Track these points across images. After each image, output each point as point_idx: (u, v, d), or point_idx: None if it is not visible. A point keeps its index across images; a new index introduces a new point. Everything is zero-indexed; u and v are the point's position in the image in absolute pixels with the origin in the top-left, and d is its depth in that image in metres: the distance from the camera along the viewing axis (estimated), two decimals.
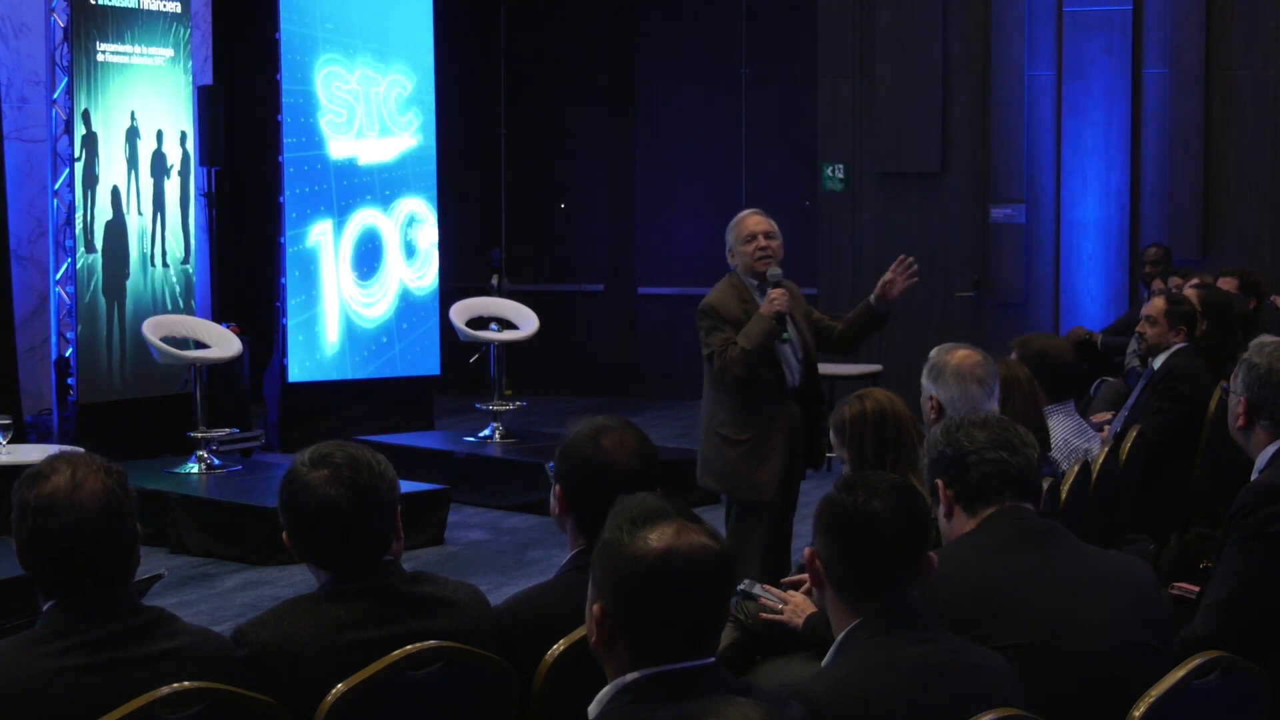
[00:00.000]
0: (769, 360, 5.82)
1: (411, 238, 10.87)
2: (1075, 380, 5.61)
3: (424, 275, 10.91)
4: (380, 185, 10.76)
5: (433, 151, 10.95)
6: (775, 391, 5.86)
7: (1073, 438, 5.18)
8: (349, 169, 10.62)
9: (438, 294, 10.96)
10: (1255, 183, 10.71)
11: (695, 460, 6.10)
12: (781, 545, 6.01)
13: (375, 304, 10.73)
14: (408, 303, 10.89)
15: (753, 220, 5.95)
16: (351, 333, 10.61)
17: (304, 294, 10.41)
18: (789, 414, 5.89)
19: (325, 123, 10.50)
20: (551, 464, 3.29)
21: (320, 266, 10.48)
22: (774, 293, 5.79)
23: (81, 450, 2.89)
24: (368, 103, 10.66)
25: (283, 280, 10.39)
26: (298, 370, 10.45)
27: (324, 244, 10.50)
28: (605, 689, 2.31)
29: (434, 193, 10.97)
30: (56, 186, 9.75)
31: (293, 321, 10.33)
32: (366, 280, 10.68)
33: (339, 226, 10.57)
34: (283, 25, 10.29)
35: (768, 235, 5.90)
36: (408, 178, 10.87)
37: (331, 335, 10.53)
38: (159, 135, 10.20)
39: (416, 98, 10.83)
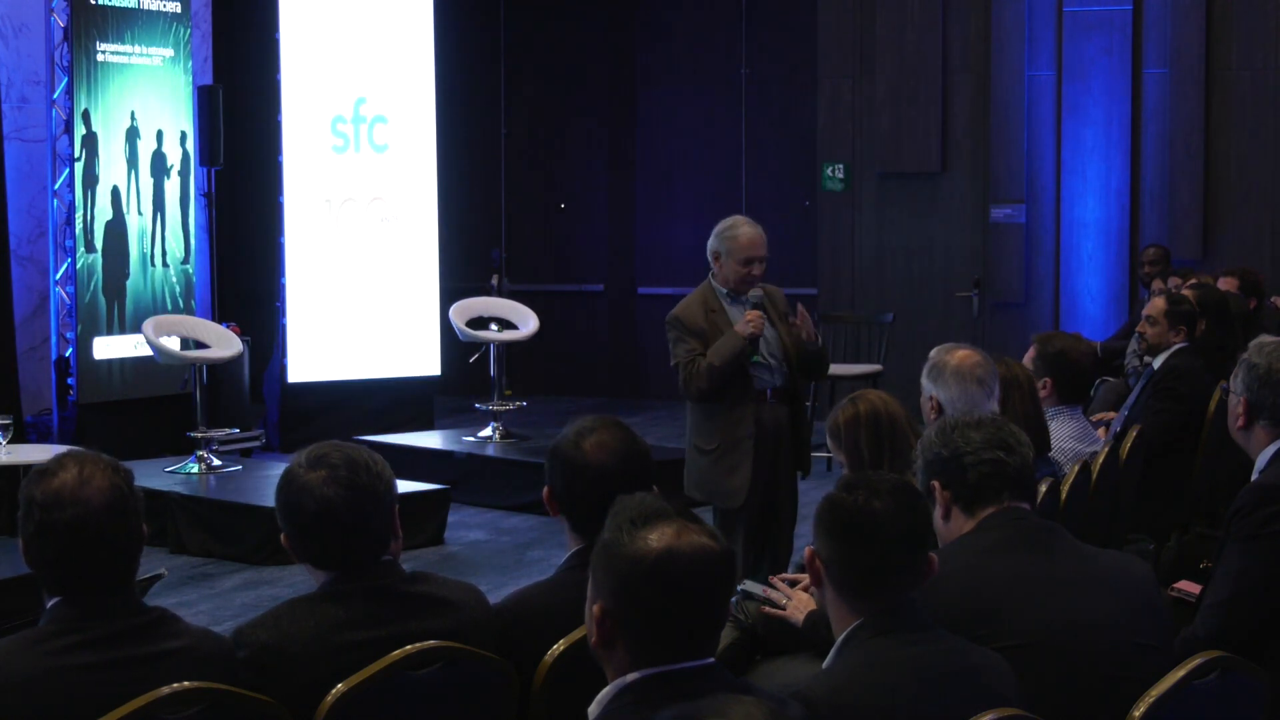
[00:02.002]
0: (737, 372, 5.81)
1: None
2: (1089, 386, 5.61)
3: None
4: (361, 177, 10.76)
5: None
6: (741, 400, 5.83)
7: (1076, 441, 5.17)
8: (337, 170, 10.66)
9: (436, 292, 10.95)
10: (1255, 183, 10.71)
11: None
12: (775, 547, 6.01)
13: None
14: None
15: (750, 241, 5.84)
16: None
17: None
18: (764, 418, 5.87)
19: (327, 147, 10.57)
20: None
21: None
22: (750, 314, 5.78)
23: (88, 450, 2.90)
24: (356, 137, 10.65)
25: (283, 280, 10.39)
26: (298, 366, 10.45)
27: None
28: (605, 689, 2.32)
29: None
30: (56, 186, 9.75)
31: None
32: None
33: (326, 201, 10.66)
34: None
35: (760, 262, 5.85)
36: (381, 173, 10.85)
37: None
38: (159, 135, 10.20)
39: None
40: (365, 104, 10.66)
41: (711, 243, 5.89)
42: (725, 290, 5.87)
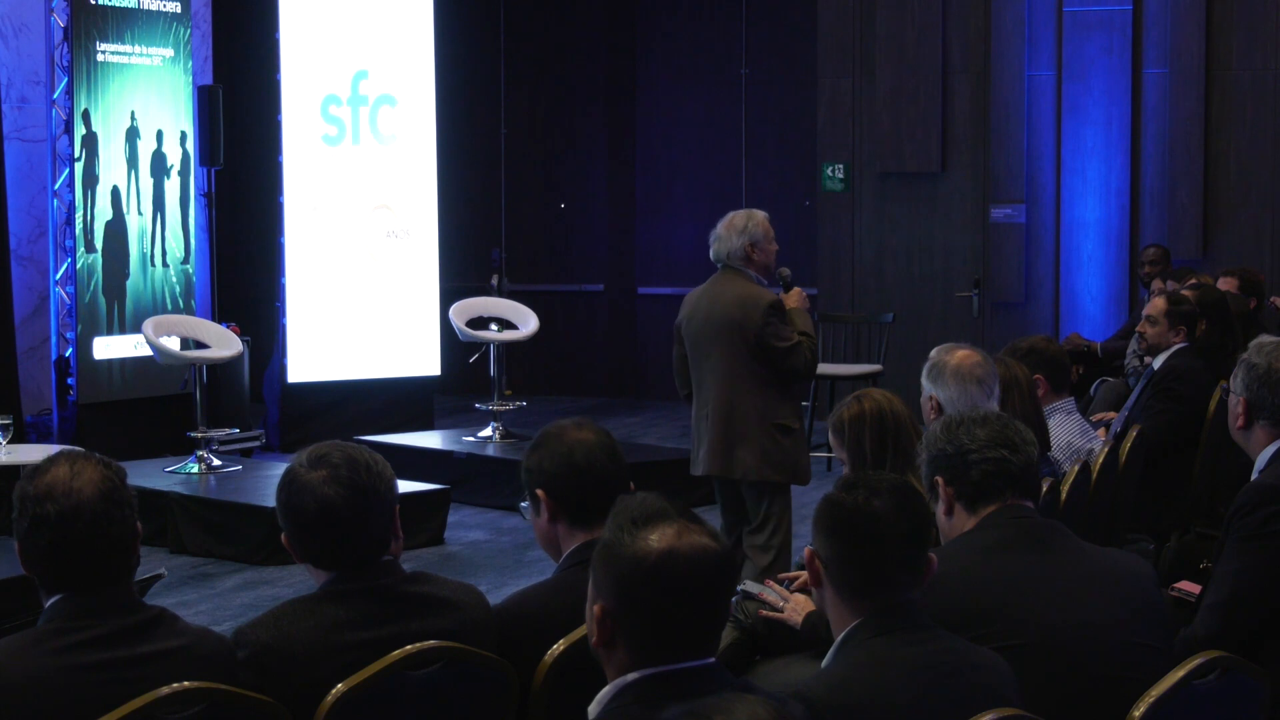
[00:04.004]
0: None
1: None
2: (1069, 371, 5.63)
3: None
4: (359, 175, 10.72)
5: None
6: None
7: (1075, 439, 5.18)
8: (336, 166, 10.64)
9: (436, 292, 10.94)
10: (1255, 183, 10.70)
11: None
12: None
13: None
14: None
15: (767, 222, 6.12)
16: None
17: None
18: None
19: (322, 137, 10.53)
20: (525, 503, 3.33)
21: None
22: (798, 290, 6.15)
23: (80, 449, 2.92)
24: (355, 124, 10.62)
25: (283, 280, 10.39)
26: (298, 366, 10.45)
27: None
28: (605, 689, 2.31)
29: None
30: (56, 186, 9.75)
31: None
32: None
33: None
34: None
35: None
36: (380, 172, 10.82)
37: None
38: (159, 135, 10.20)
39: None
40: (354, 124, 10.60)
41: (739, 239, 6.05)
42: (759, 278, 6.08)
